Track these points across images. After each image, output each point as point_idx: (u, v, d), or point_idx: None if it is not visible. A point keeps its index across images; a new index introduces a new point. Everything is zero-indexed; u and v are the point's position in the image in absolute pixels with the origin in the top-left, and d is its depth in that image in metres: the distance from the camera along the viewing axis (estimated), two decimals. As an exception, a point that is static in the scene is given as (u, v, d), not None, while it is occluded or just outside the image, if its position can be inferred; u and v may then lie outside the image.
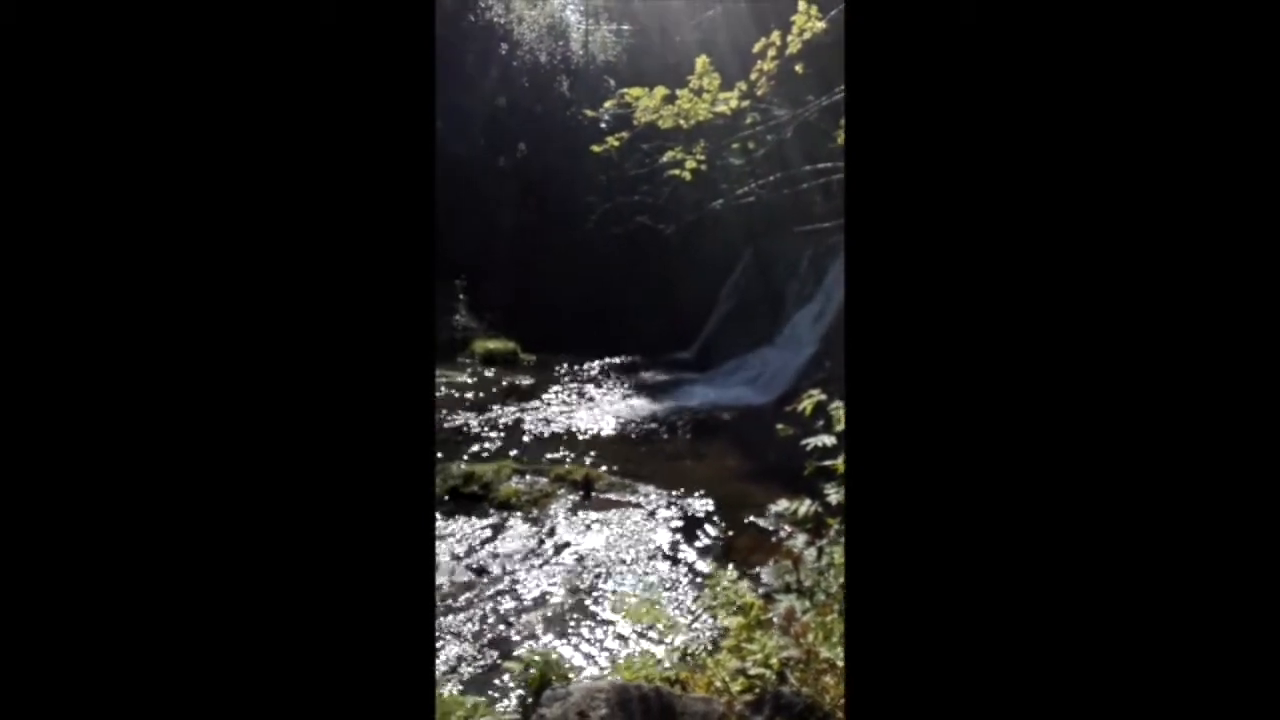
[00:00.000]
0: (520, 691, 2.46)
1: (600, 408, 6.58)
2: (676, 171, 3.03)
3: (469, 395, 6.50)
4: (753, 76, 2.84)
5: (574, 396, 6.93)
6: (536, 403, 6.53)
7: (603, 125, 8.96)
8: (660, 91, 2.84)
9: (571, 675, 2.48)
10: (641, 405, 6.73)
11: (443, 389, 6.56)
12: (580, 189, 9.99)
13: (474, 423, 5.69)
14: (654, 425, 6.06)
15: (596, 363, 8.27)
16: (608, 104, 2.83)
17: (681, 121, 2.85)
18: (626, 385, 7.49)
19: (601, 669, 2.62)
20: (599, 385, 7.45)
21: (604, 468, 4.77)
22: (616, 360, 8.42)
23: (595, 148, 2.77)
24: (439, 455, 4.87)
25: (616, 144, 2.79)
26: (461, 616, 3.05)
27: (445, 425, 5.53)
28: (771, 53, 2.71)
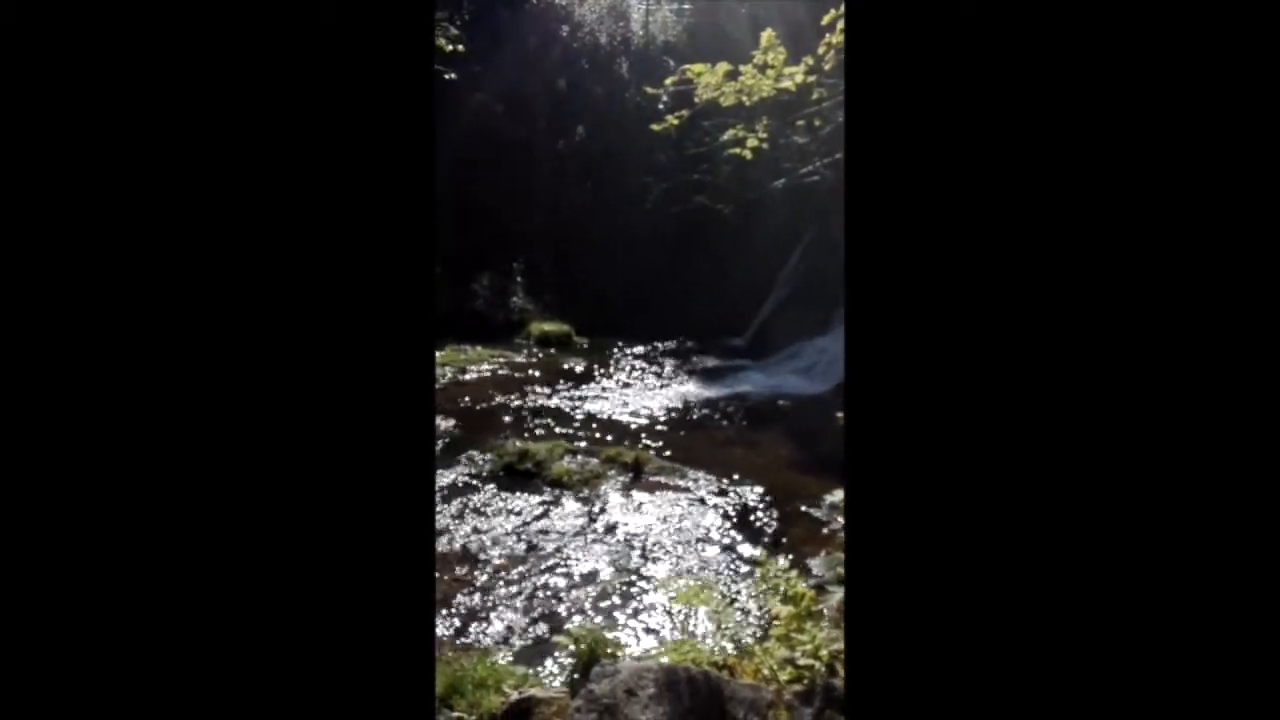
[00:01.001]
0: (569, 665, 2.50)
1: (651, 391, 6.58)
2: (737, 150, 2.95)
3: (524, 375, 6.63)
4: (820, 50, 2.72)
5: (626, 380, 6.95)
6: (589, 385, 6.60)
7: (661, 106, 8.86)
8: (723, 67, 2.76)
9: (618, 653, 2.50)
10: (693, 390, 6.69)
11: (499, 369, 6.72)
12: (638, 170, 9.93)
13: (528, 402, 5.81)
14: (705, 411, 6.02)
15: (649, 346, 8.27)
16: (669, 81, 2.78)
17: (744, 98, 2.76)
18: (678, 370, 7.46)
19: (648, 649, 2.64)
20: (651, 369, 7.45)
21: (654, 451, 4.77)
22: (669, 344, 8.39)
23: (655, 126, 2.72)
24: (496, 431, 5.00)
25: (676, 122, 2.73)
26: (513, 589, 3.14)
27: (500, 404, 5.66)
28: (840, 25, 2.58)
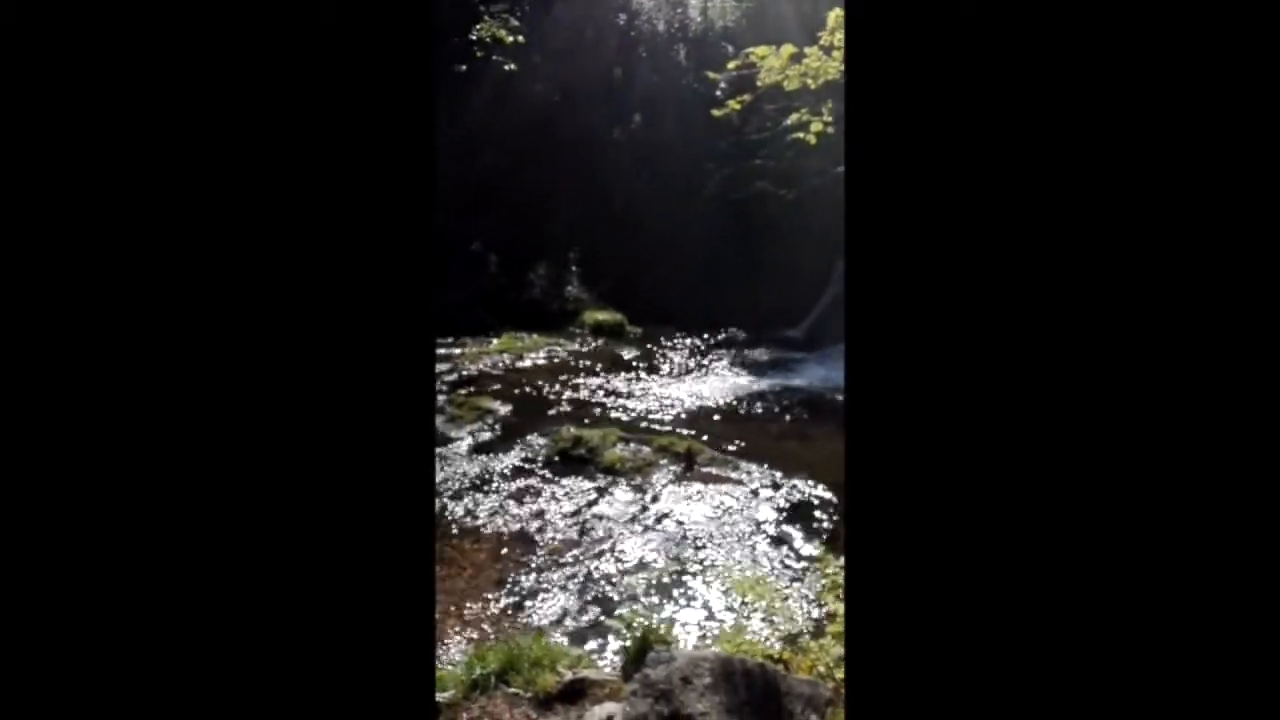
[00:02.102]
0: (621, 649, 2.53)
1: (704, 382, 6.54)
2: (800, 135, 2.87)
3: (577, 363, 6.72)
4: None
5: (678, 369, 6.93)
6: (641, 373, 6.61)
7: (718, 93, 8.70)
8: (788, 50, 2.68)
9: (670, 640, 2.51)
10: (747, 382, 6.60)
11: (553, 356, 6.82)
12: (696, 158, 9.82)
13: (581, 389, 5.88)
14: (759, 403, 5.93)
15: (702, 336, 8.21)
16: (731, 65, 2.72)
17: (809, 81, 2.67)
18: (732, 361, 7.38)
19: (699, 639, 2.64)
20: (704, 359, 7.39)
21: (706, 442, 4.74)
22: (722, 335, 8.30)
23: (716, 111, 2.67)
24: (550, 417, 5.09)
25: (738, 106, 2.68)
26: (567, 572, 3.19)
27: (554, 390, 5.75)
28: None
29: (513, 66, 9.40)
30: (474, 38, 9.05)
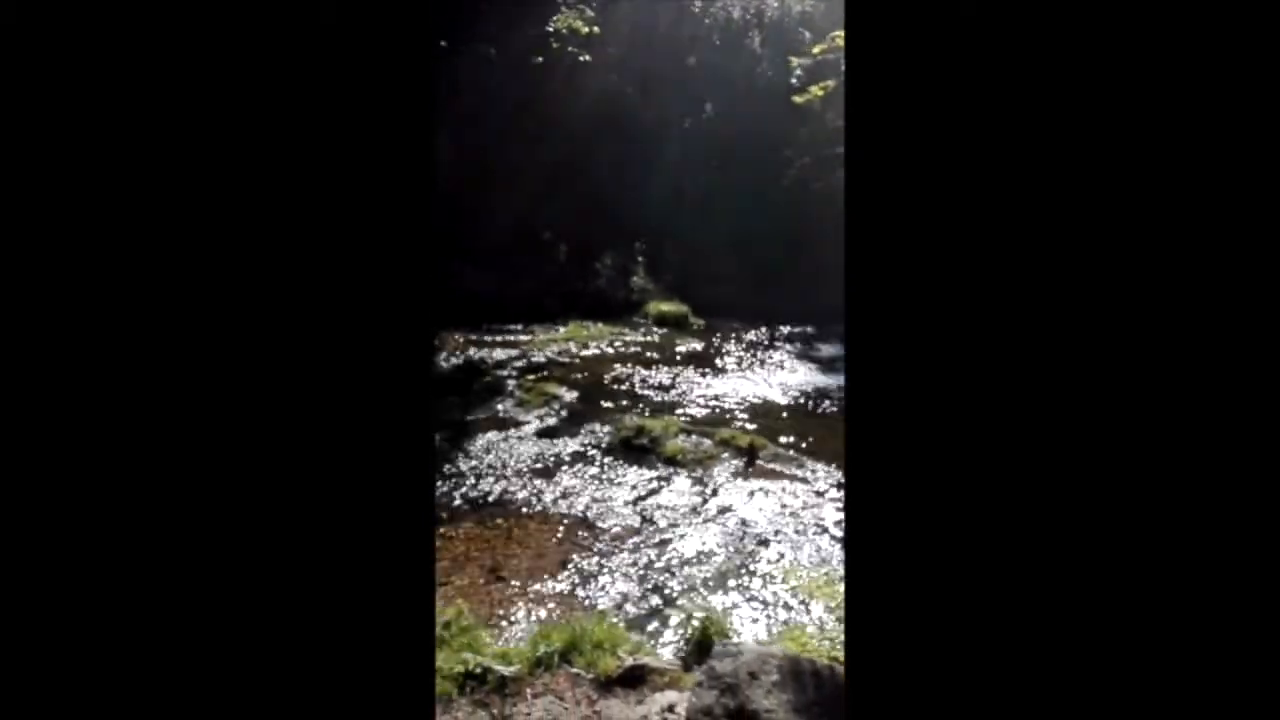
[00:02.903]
0: (681, 639, 2.54)
1: (768, 376, 6.42)
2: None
3: (640, 353, 6.75)
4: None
5: (742, 362, 6.84)
6: (704, 366, 6.57)
7: (794, 80, 8.45)
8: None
9: (730, 634, 2.50)
10: (812, 378, 6.44)
11: (617, 346, 6.88)
12: (770, 147, 9.60)
13: (644, 379, 5.90)
14: (825, 400, 5.77)
15: (768, 330, 8.06)
16: (817, 49, 2.62)
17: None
18: (797, 356, 7.21)
19: (760, 635, 2.61)
20: (768, 353, 7.26)
21: (770, 438, 4.66)
22: (789, 329, 8.12)
23: (797, 98, 2.58)
24: (613, 405, 5.14)
25: (821, 93, 2.58)
26: (627, 558, 3.23)
27: (617, 379, 5.80)
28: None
29: (587, 57, 9.48)
30: (550, 29, 9.17)
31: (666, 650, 2.48)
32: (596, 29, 9.16)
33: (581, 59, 9.38)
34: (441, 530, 3.42)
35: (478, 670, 2.10)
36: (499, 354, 6.32)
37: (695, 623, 2.42)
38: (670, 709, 1.82)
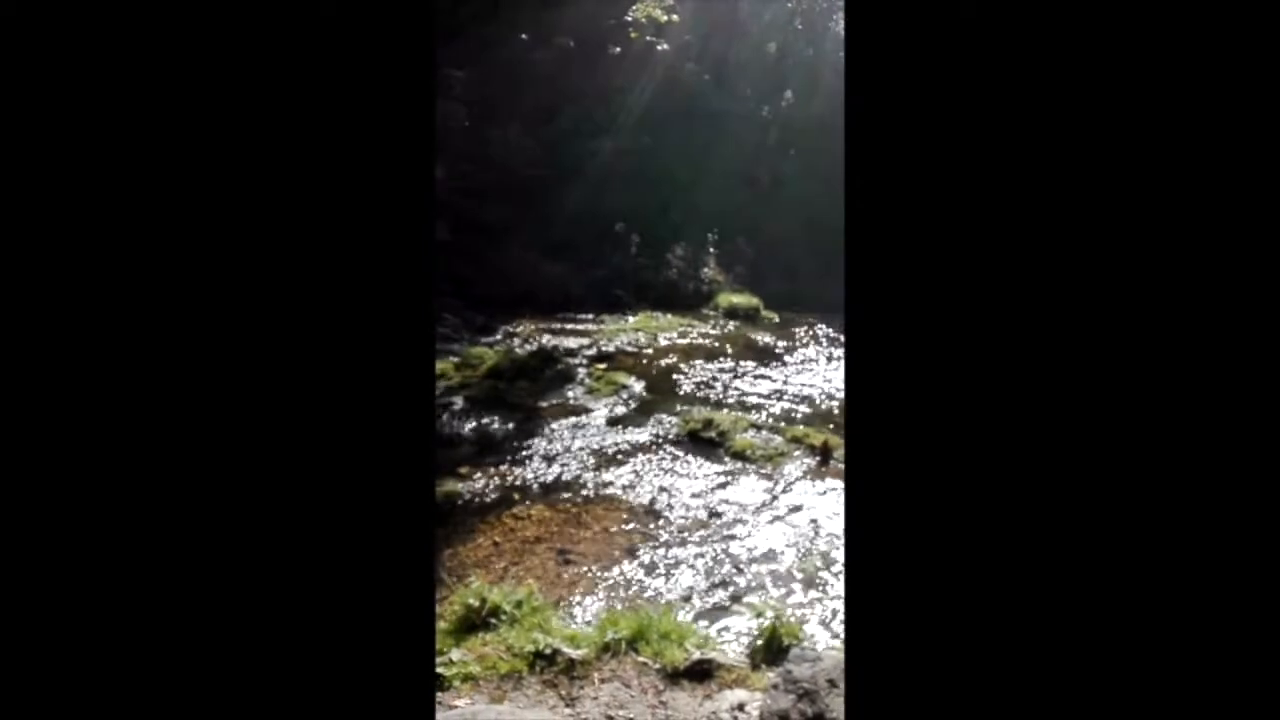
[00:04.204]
0: (749, 637, 2.49)
1: (842, 374, 6.18)
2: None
3: (710, 346, 6.67)
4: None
5: (814, 357, 6.63)
6: (775, 360, 6.42)
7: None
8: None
9: (800, 636, 2.43)
10: (891, 377, 6.15)
11: (687, 338, 6.83)
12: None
13: (713, 372, 5.83)
14: (905, 401, 5.50)
15: (842, 324, 7.77)
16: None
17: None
18: (875, 354, 6.91)
19: (833, 641, 2.52)
20: (842, 348, 6.99)
21: (844, 437, 4.49)
22: (865, 326, 7.79)
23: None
24: (681, 397, 5.11)
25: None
26: (694, 551, 3.21)
27: (686, 371, 5.76)
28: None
29: (664, 46, 9.40)
30: (630, 19, 9.15)
31: (733, 647, 2.44)
32: (675, 16, 9.06)
33: (659, 48, 9.32)
34: (514, 511, 3.52)
35: (547, 651, 2.14)
36: (569, 343, 6.42)
37: (765, 622, 2.36)
38: (740, 708, 1.79)
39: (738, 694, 1.87)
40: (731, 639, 2.52)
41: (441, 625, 2.43)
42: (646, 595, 2.87)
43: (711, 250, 8.65)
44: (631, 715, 1.95)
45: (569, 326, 7.01)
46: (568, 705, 1.98)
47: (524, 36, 9.26)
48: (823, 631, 2.62)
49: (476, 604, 2.37)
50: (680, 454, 4.19)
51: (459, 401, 4.98)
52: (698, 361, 6.14)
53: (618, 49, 9.52)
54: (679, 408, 4.88)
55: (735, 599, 2.83)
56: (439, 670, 2.05)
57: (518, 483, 3.80)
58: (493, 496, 3.65)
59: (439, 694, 2.00)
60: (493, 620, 2.34)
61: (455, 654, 2.12)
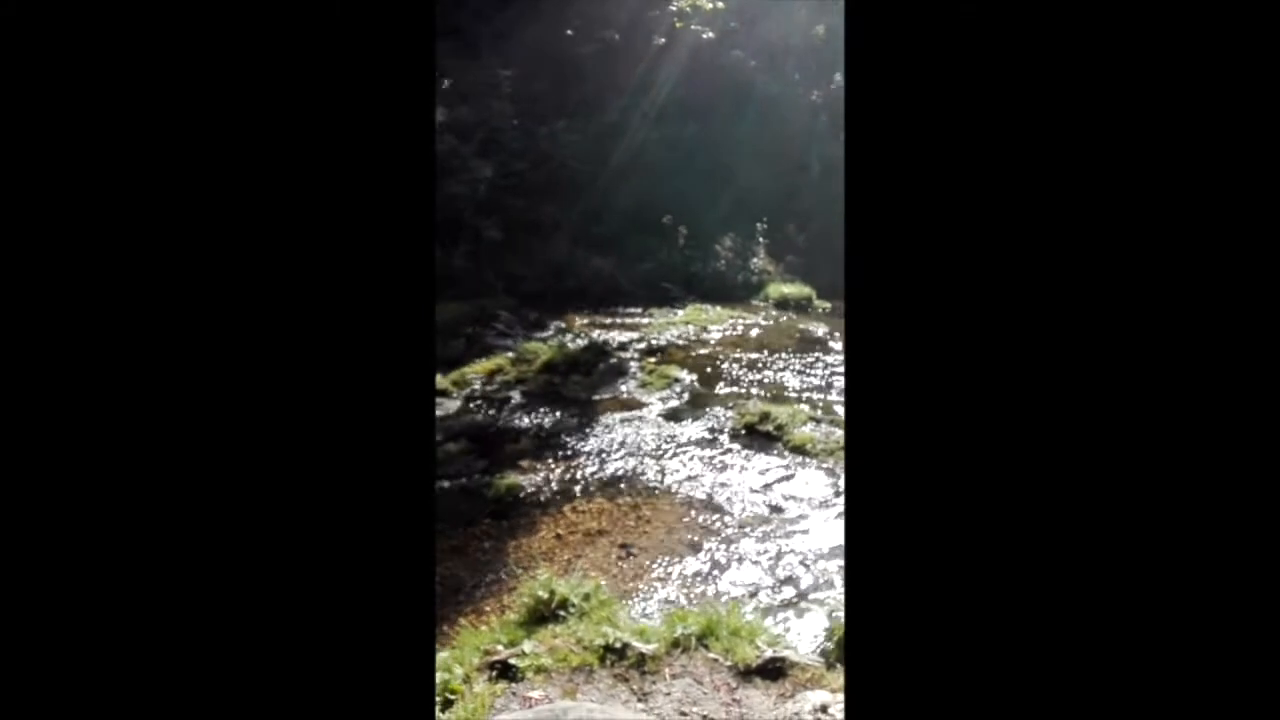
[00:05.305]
0: (819, 635, 2.43)
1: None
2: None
3: (761, 337, 6.55)
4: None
5: (873, 350, 6.43)
6: (829, 352, 6.25)
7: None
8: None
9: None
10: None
11: (737, 329, 6.73)
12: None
13: (766, 365, 5.73)
14: (971, 392, 5.27)
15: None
16: None
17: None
18: (936, 344, 6.64)
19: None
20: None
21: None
22: (924, 315, 7.51)
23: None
24: (735, 390, 5.04)
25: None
26: (757, 546, 3.15)
27: (738, 363, 5.68)
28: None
29: (710, 34, 9.26)
30: (674, 8, 9.05)
31: (804, 645, 2.39)
32: (721, 3, 8.91)
33: (705, 36, 9.18)
34: (574, 504, 3.54)
35: (617, 645, 2.14)
36: (620, 336, 6.42)
37: (839, 619, 2.30)
38: (824, 709, 1.74)
39: (819, 695, 1.82)
40: (802, 637, 2.47)
41: (511, 617, 2.46)
42: (712, 591, 2.84)
43: (761, 240, 8.49)
44: (705, 712, 1.93)
45: (619, 320, 7.02)
46: (640, 700, 1.97)
47: (569, 32, 9.29)
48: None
49: (545, 596, 2.39)
50: (738, 448, 4.13)
51: (516, 396, 5.05)
52: (749, 353, 6.05)
53: (662, 40, 9.43)
54: (733, 401, 4.81)
55: (802, 596, 2.77)
56: (513, 661, 2.07)
57: (577, 476, 3.82)
58: (553, 490, 3.69)
59: (513, 684, 2.02)
60: (561, 612, 2.36)
61: (527, 645, 2.14)
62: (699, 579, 2.93)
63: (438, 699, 1.92)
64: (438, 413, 4.76)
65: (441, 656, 2.11)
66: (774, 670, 2.10)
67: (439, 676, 1.99)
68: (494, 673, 2.06)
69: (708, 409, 4.69)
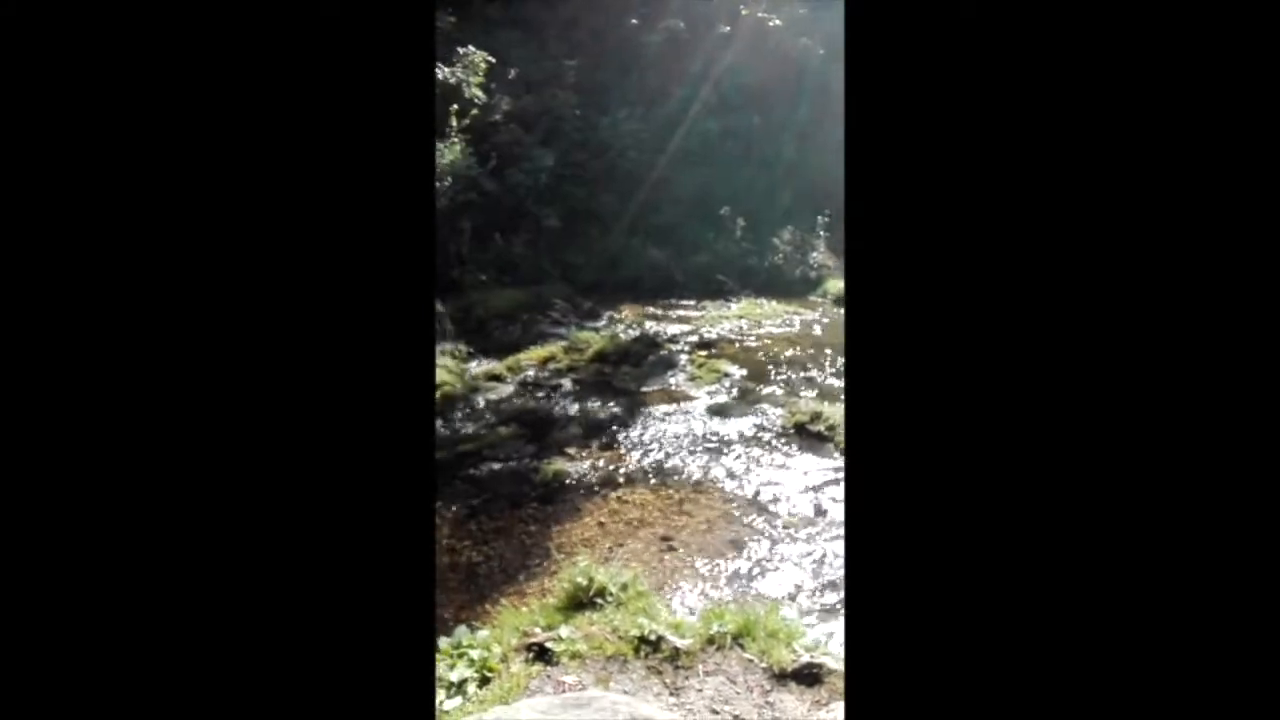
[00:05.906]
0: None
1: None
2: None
3: (817, 334, 6.39)
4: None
5: (935, 351, 6.16)
6: (890, 352, 6.03)
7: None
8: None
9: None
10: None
11: (792, 325, 6.59)
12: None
13: (819, 363, 5.58)
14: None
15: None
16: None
17: None
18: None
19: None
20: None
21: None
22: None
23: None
24: (785, 387, 4.94)
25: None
26: (800, 548, 3.10)
27: (791, 361, 5.56)
28: None
29: (776, 21, 9.02)
30: (740, -6, 8.86)
31: (840, 648, 2.33)
32: (788, -11, 8.66)
33: (772, 23, 8.95)
34: (618, 494, 3.58)
35: (652, 637, 2.15)
36: (671, 329, 6.41)
37: (880, 631, 2.22)
38: (857, 721, 1.70)
39: (853, 706, 1.78)
40: (838, 643, 2.41)
41: (550, 601, 2.52)
42: (751, 590, 2.81)
43: (821, 233, 8.25)
44: (737, 712, 1.92)
45: (672, 313, 7.00)
46: (672, 694, 1.98)
47: (634, 21, 9.25)
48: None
49: (584, 583, 2.43)
50: (785, 447, 4.06)
51: (566, 384, 5.14)
52: (804, 350, 5.91)
53: (727, 28, 9.26)
54: (783, 398, 4.72)
55: (843, 602, 2.70)
56: (549, 645, 2.12)
57: (621, 466, 3.86)
58: (597, 478, 3.73)
59: (548, 667, 2.07)
60: (599, 600, 2.40)
61: (564, 630, 2.19)
62: (738, 577, 2.91)
63: (476, 675, 1.99)
64: (493, 396, 4.90)
65: (481, 635, 2.19)
66: (810, 676, 2.07)
67: (478, 654, 2.06)
68: (531, 654, 2.12)
69: (756, 405, 4.63)
